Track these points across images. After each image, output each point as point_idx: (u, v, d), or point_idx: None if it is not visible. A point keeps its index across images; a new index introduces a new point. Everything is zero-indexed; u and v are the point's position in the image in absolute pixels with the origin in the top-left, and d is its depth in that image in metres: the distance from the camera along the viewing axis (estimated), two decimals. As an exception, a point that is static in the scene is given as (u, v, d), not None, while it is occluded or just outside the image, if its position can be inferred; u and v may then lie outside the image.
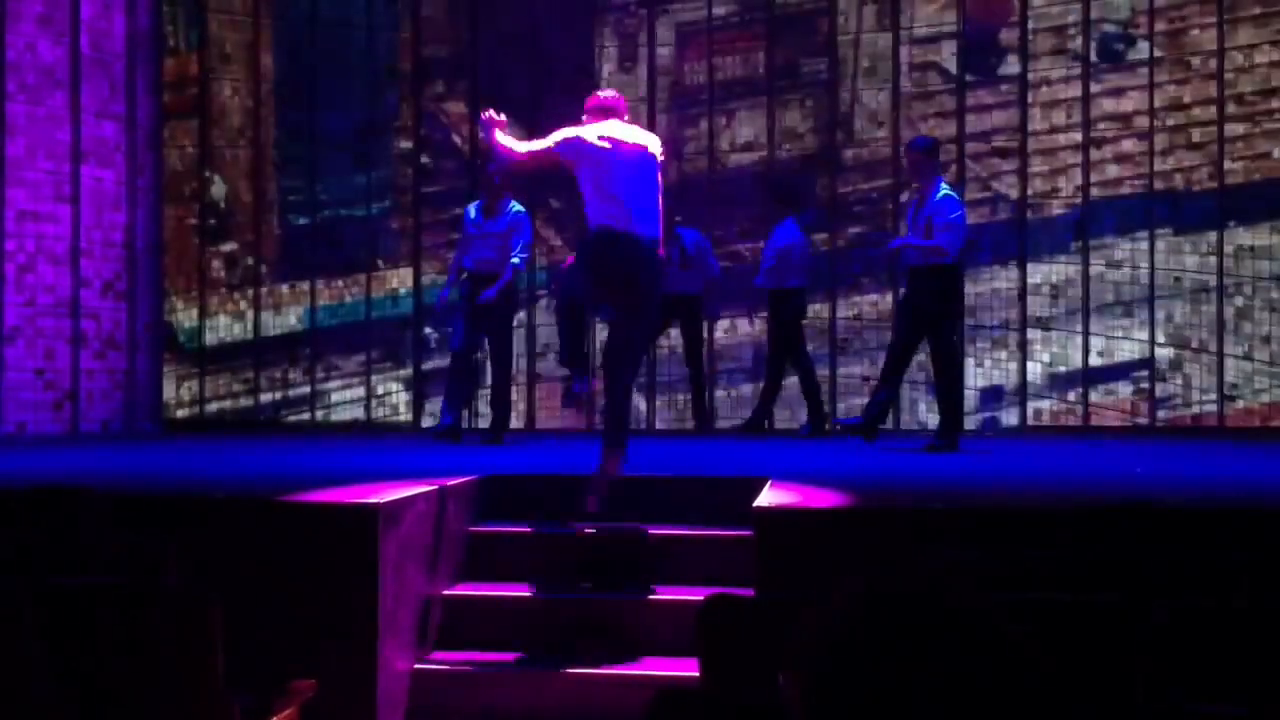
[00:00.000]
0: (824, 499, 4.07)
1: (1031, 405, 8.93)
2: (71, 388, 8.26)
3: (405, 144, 9.31)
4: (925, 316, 6.40)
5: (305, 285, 9.27)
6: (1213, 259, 8.71)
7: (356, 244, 9.29)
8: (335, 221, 9.31)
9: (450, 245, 8.61)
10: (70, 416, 8.25)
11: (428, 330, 9.20)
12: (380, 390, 9.30)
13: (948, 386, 6.58)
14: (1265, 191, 8.63)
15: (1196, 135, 8.76)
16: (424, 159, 9.30)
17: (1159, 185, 8.78)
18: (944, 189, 6.54)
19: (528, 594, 4.36)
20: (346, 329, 9.30)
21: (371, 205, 9.32)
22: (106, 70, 8.53)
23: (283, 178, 9.30)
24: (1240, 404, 8.70)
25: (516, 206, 7.11)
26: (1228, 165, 8.67)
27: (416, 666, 4.09)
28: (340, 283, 9.33)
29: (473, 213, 7.18)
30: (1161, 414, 8.78)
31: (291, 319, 9.32)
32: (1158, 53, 8.79)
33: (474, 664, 4.16)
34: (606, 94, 5.06)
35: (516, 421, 8.81)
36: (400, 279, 9.30)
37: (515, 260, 6.96)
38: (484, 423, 7.98)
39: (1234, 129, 8.69)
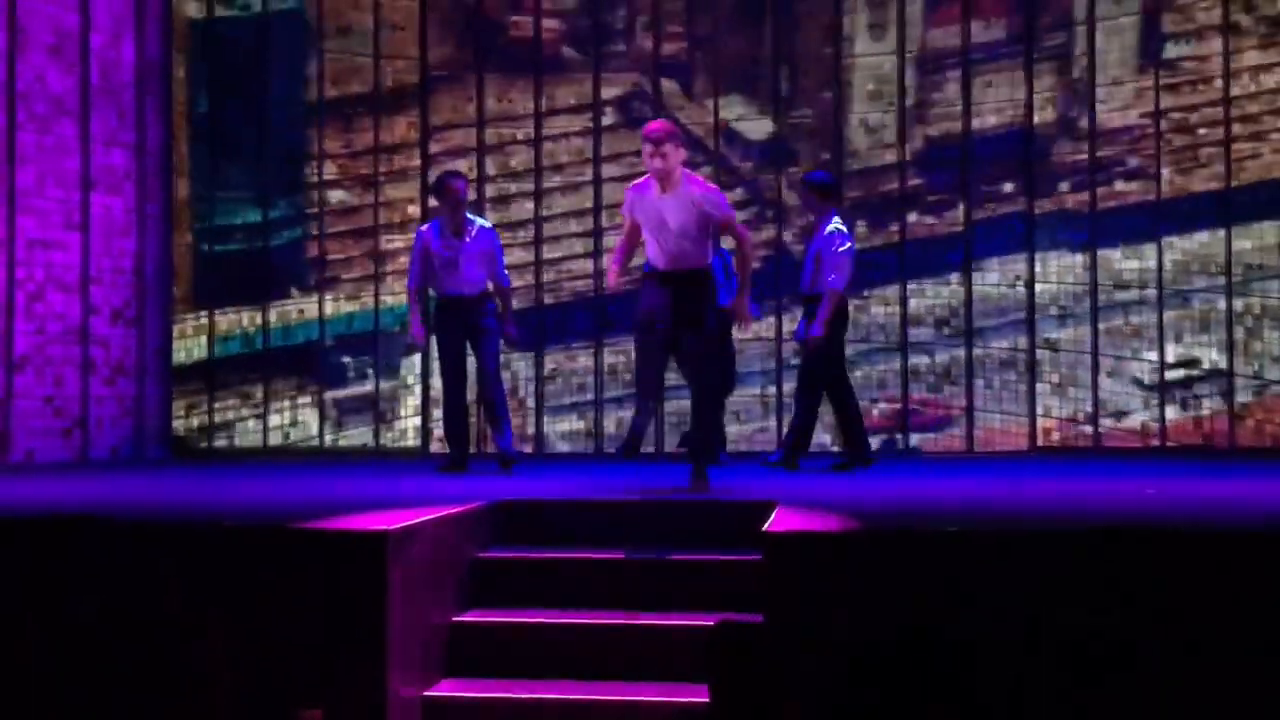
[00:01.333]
0: (833, 523, 4.05)
1: (1041, 425, 8.91)
2: (81, 414, 8.28)
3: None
4: (820, 348, 6.67)
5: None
6: (1222, 279, 8.69)
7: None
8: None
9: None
10: (79, 443, 8.26)
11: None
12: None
13: (844, 409, 6.83)
14: (1271, 195, 8.62)
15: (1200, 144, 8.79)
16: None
17: (1166, 197, 8.78)
18: (834, 223, 6.74)
19: (537, 620, 4.34)
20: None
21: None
22: (115, 99, 8.58)
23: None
24: (1251, 424, 8.66)
25: (483, 221, 6.97)
26: (1226, 176, 8.69)
27: (425, 694, 4.07)
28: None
29: (440, 236, 6.77)
30: (1172, 434, 8.74)
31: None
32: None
33: (483, 691, 4.13)
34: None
35: (524, 447, 8.81)
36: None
37: (506, 275, 6.92)
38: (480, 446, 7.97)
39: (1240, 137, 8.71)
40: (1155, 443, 8.73)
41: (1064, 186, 8.96)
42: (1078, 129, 8.93)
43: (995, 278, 9.03)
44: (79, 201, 8.31)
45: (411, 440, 9.28)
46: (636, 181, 5.74)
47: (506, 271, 7.02)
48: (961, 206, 8.98)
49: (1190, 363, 8.75)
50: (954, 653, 3.44)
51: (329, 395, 9.33)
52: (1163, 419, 8.75)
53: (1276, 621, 3.42)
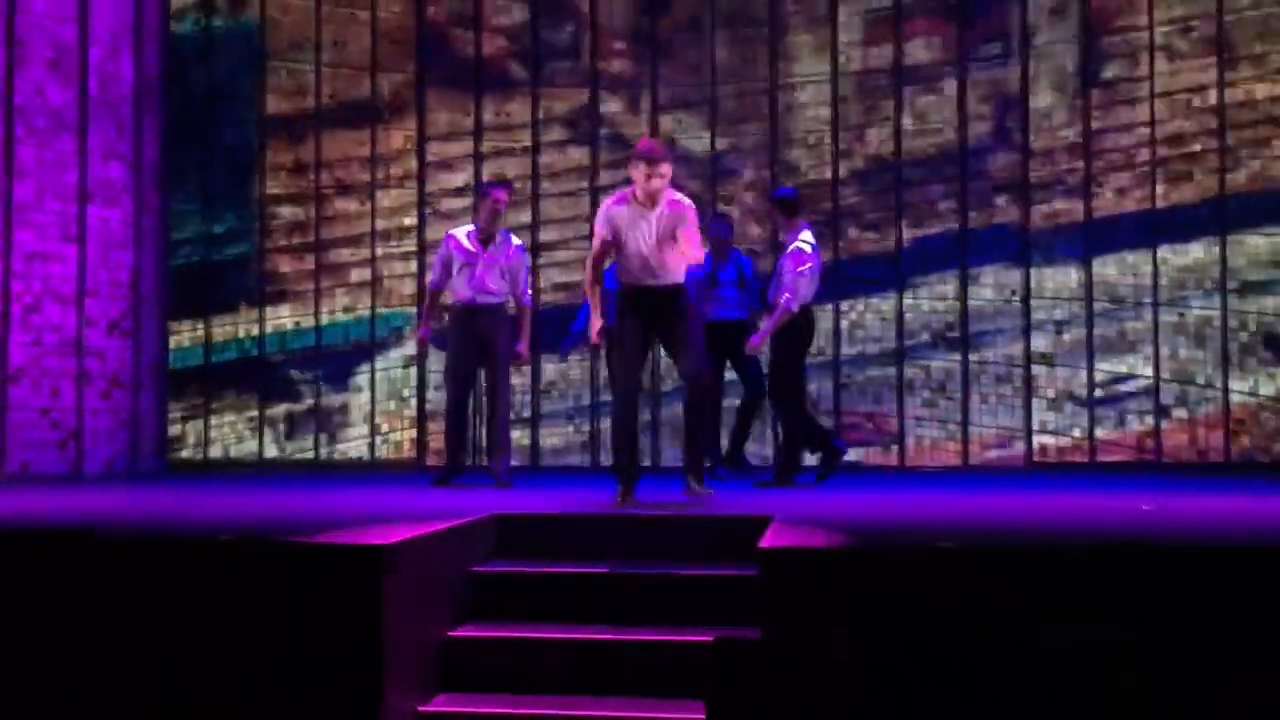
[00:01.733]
0: (830, 538, 4.05)
1: (1037, 440, 8.93)
2: (76, 427, 8.27)
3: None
4: (780, 364, 6.74)
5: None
6: (1217, 295, 8.73)
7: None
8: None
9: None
10: (75, 456, 8.25)
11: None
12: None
13: (790, 426, 6.87)
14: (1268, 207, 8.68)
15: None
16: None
17: (1161, 209, 8.83)
18: (800, 240, 6.79)
19: (534, 636, 4.34)
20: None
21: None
22: (114, 113, 8.59)
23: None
24: (1245, 439, 8.69)
25: (516, 239, 6.93)
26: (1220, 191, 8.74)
27: (421, 710, 4.07)
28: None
29: (465, 240, 6.76)
30: (1167, 449, 8.77)
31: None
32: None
33: (480, 707, 4.13)
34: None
35: (520, 459, 8.82)
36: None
37: (529, 293, 6.88)
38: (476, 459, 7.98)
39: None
40: (1150, 457, 8.76)
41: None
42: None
43: (990, 293, 9.07)
44: (76, 214, 8.31)
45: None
46: (614, 195, 5.76)
47: (531, 292, 6.92)
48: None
49: (1185, 379, 8.78)
50: (952, 669, 3.45)
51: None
52: (1158, 433, 8.78)
53: (1275, 638, 3.43)
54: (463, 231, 6.86)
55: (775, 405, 7.00)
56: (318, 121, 9.48)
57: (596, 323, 5.64)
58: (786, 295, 6.66)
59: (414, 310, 9.22)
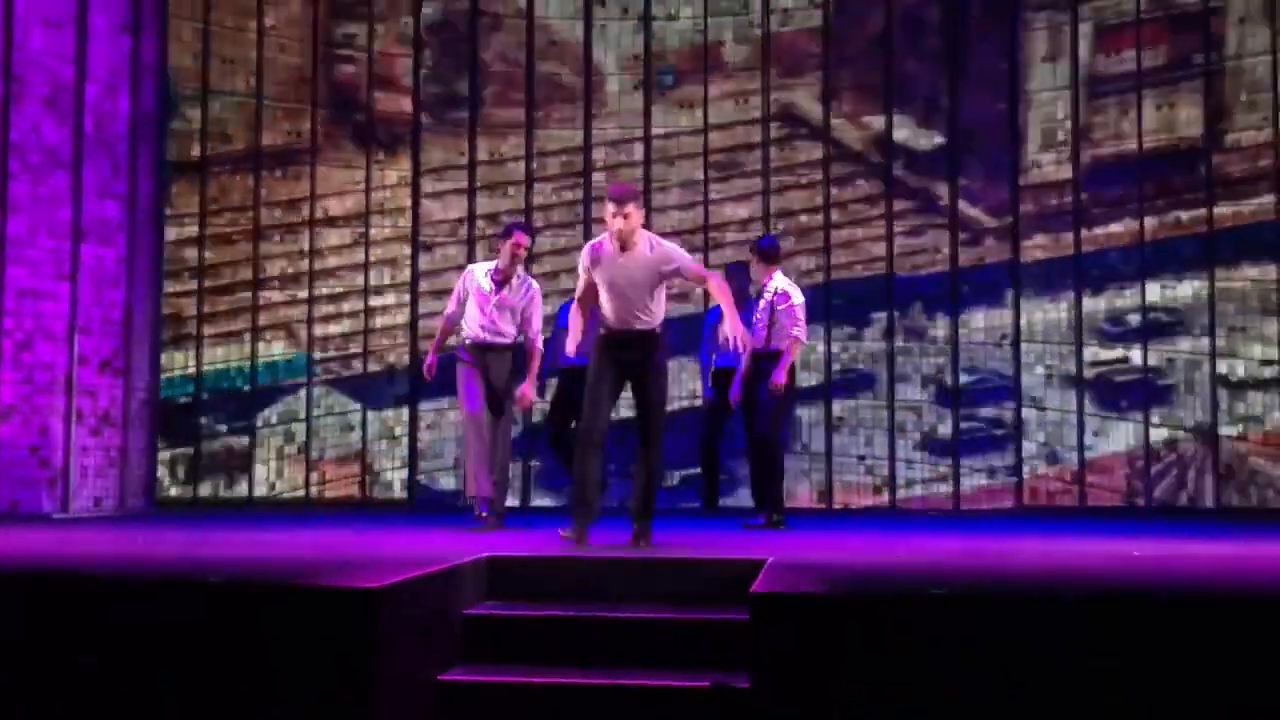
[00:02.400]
0: (823, 584, 4.05)
1: (1027, 485, 8.94)
2: (65, 465, 8.23)
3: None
4: (780, 403, 6.91)
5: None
6: (1205, 340, 8.78)
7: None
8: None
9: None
10: (63, 494, 8.21)
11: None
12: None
13: (777, 466, 7.05)
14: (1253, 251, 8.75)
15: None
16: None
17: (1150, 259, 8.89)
18: (779, 281, 7.02)
19: (526, 680, 4.32)
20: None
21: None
22: (110, 150, 8.62)
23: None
24: (1235, 484, 8.72)
25: (533, 282, 6.84)
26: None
27: (411, 753, 4.03)
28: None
29: (483, 278, 6.70)
30: (1157, 494, 8.78)
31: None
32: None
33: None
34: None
35: (512, 499, 8.79)
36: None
37: (539, 337, 6.76)
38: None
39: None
40: (1140, 502, 8.77)
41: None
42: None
43: (981, 336, 9.12)
44: (70, 251, 8.31)
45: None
46: (594, 241, 5.79)
47: (539, 334, 6.78)
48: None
49: (1175, 424, 8.81)
50: (943, 717, 3.44)
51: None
52: (1148, 477, 8.80)
53: (1267, 687, 3.43)
54: (482, 269, 6.78)
55: (765, 445, 7.01)
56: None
57: (570, 347, 5.76)
58: (798, 329, 6.88)
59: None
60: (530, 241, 6.83)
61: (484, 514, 6.59)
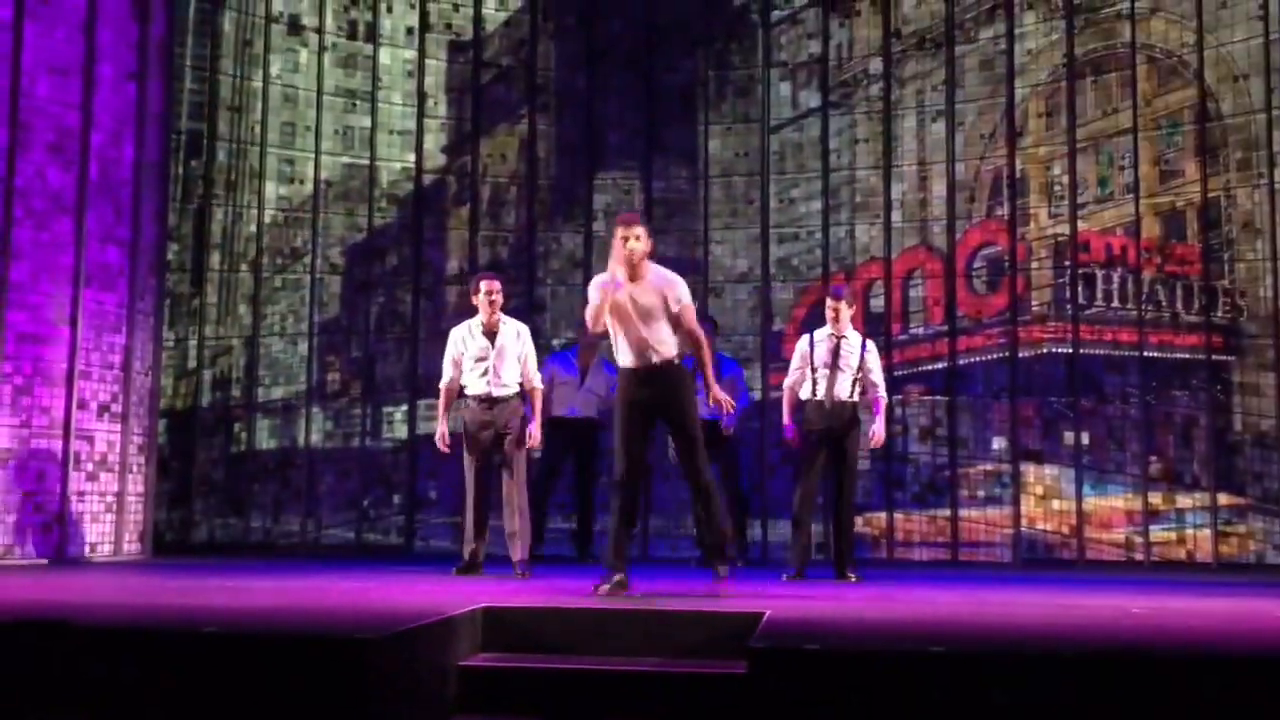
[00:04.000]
0: (822, 638, 4.02)
1: (1025, 539, 8.91)
2: (61, 510, 8.21)
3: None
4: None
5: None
6: (1203, 394, 8.79)
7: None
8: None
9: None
10: (58, 540, 8.17)
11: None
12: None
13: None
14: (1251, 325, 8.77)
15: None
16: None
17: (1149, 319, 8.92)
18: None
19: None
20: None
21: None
22: (114, 197, 8.67)
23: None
24: (1234, 541, 8.69)
25: (518, 325, 6.86)
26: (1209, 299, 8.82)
27: (404, 808, 3.99)
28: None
29: (472, 336, 6.74)
30: (1155, 550, 8.75)
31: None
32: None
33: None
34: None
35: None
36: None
37: (538, 375, 6.84)
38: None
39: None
40: (1139, 557, 8.74)
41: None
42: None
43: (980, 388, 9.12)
44: (71, 297, 8.34)
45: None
46: (600, 277, 5.65)
47: (536, 372, 6.84)
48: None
49: (1173, 479, 8.79)
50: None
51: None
52: (1146, 533, 8.77)
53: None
54: (466, 327, 6.80)
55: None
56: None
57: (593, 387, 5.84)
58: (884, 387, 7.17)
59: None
60: (499, 283, 6.82)
61: (462, 567, 6.78)
